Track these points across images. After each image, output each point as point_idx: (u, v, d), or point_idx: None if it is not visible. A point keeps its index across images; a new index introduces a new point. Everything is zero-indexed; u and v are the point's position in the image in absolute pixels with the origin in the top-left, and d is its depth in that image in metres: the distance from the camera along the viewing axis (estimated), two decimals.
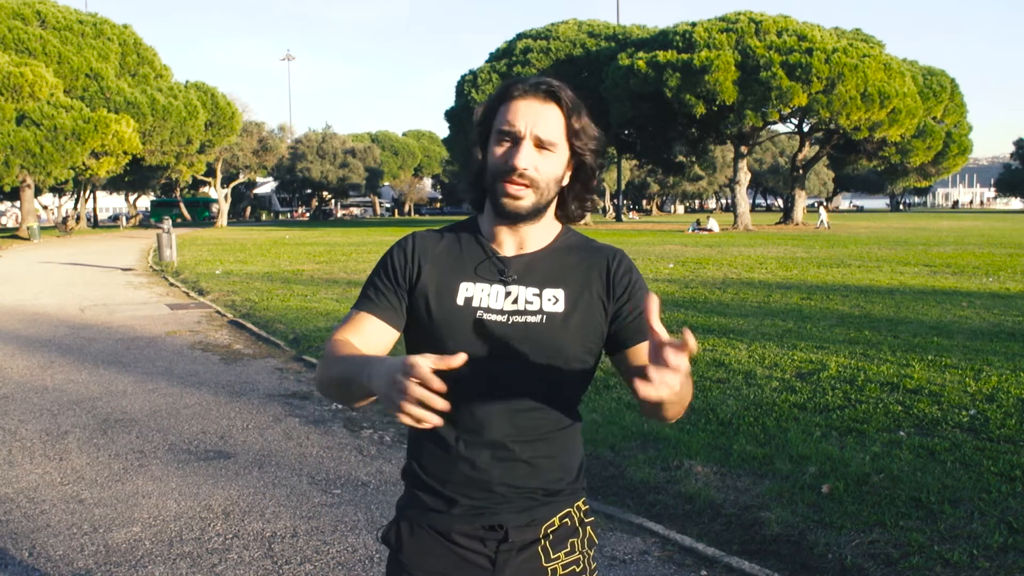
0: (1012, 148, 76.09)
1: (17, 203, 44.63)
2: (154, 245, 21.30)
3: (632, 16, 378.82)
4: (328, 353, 1.38)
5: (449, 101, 60.37)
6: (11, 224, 54.89)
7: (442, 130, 78.60)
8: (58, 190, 47.16)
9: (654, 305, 1.17)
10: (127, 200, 66.73)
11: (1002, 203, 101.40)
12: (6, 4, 33.11)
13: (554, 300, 1.41)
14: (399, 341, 1.49)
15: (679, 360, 1.16)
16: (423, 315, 1.43)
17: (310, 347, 7.80)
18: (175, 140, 36.90)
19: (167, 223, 18.95)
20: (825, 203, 40.78)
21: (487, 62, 43.60)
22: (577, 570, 1.46)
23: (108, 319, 10.19)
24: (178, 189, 58.90)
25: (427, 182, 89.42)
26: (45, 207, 58.03)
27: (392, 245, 1.49)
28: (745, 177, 38.60)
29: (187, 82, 40.53)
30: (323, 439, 4.94)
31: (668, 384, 1.14)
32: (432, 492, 1.44)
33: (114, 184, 51.82)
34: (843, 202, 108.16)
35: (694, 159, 47.35)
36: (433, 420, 1.08)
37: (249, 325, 9.27)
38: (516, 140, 1.36)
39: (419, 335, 1.45)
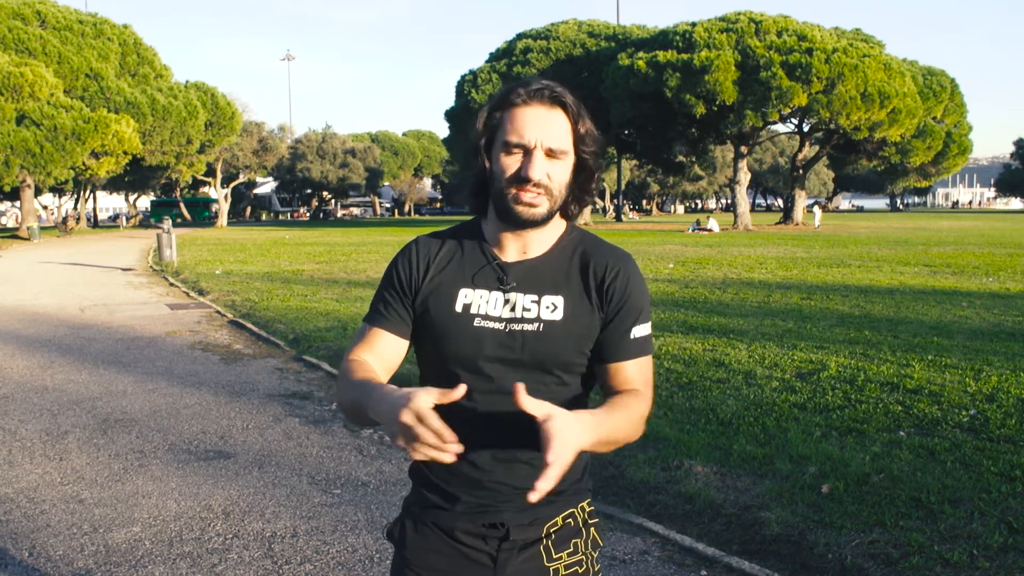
0: (1012, 148, 76.12)
1: (17, 203, 44.65)
2: (154, 245, 21.31)
3: (632, 16, 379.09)
4: (343, 375, 1.42)
5: (449, 101, 60.43)
6: (11, 224, 54.89)
7: (442, 130, 78.76)
8: (58, 190, 47.21)
9: (521, 392, 1.19)
10: (127, 200, 66.78)
11: (1002, 203, 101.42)
12: (6, 4, 33.12)
13: (552, 307, 1.41)
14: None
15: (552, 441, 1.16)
16: (424, 321, 1.45)
17: (310, 347, 7.80)
18: (175, 140, 36.91)
19: (167, 223, 18.95)
20: (820, 203, 40.79)
21: (487, 62, 43.60)
22: (579, 571, 1.46)
23: (108, 319, 10.19)
24: (178, 189, 58.92)
25: (427, 182, 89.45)
26: (45, 207, 58.12)
27: (397, 253, 1.50)
28: (745, 177, 38.60)
29: (187, 82, 40.54)
30: (323, 439, 4.94)
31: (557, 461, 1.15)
32: (436, 489, 1.46)
33: (114, 184, 51.84)
34: (843, 202, 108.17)
35: (694, 159, 47.36)
36: (445, 457, 1.14)
37: (249, 325, 9.28)
38: (527, 151, 1.35)
39: (422, 340, 1.47)
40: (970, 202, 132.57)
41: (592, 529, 1.50)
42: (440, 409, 1.43)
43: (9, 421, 5.40)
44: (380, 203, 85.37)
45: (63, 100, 31.14)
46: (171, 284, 14.51)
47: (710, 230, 33.76)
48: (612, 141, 40.44)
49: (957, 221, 45.57)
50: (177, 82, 39.82)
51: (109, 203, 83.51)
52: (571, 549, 1.46)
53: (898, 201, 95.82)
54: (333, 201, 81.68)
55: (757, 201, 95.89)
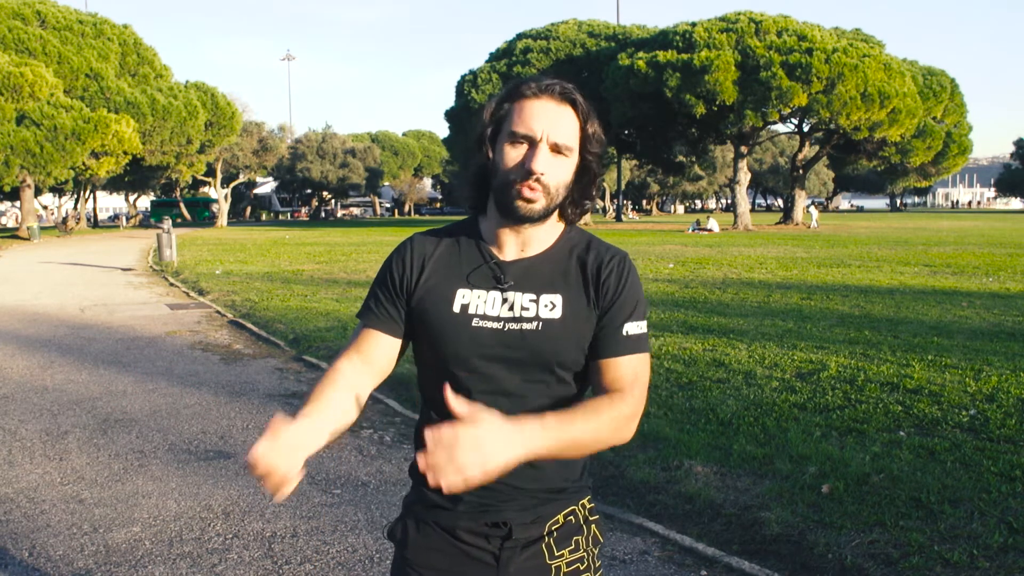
0: (1012, 148, 76.12)
1: (17, 203, 44.65)
2: (154, 245, 21.30)
3: (632, 16, 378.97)
4: (317, 381, 1.49)
5: (449, 101, 60.39)
6: (11, 224, 54.89)
7: (442, 130, 78.71)
8: (58, 190, 47.20)
9: (448, 392, 1.22)
10: (127, 200, 66.74)
11: (1002, 203, 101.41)
12: (6, 4, 33.11)
13: (551, 306, 1.40)
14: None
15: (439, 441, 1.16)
16: (422, 321, 1.44)
17: (310, 347, 7.80)
18: (175, 140, 36.90)
19: (167, 223, 18.94)
20: (815, 204, 40.85)
21: (487, 62, 43.61)
22: (581, 568, 1.46)
23: (108, 319, 10.19)
24: (178, 189, 58.89)
25: (427, 182, 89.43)
26: (45, 207, 58.11)
27: (392, 251, 1.50)
28: (745, 177, 38.60)
29: (187, 82, 40.53)
30: None
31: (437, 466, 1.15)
32: (438, 489, 1.44)
33: (114, 184, 51.82)
34: (843, 202, 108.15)
35: (694, 159, 47.36)
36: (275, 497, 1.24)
37: (249, 325, 9.28)
38: (532, 143, 1.34)
39: (421, 341, 1.47)
40: (969, 202, 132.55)
41: (593, 526, 1.50)
42: (441, 410, 1.43)
43: (9, 421, 5.40)
44: (380, 203, 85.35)
45: (63, 100, 31.14)
46: (171, 284, 14.51)
47: (710, 230, 33.76)
48: (612, 141, 40.40)
49: (957, 221, 45.57)
50: (177, 82, 39.82)
51: (109, 203, 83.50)
52: (572, 546, 1.46)
53: (898, 201, 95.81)
54: (333, 201, 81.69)
55: (757, 201, 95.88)
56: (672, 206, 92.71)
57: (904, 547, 3.21)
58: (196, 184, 61.82)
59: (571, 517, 1.46)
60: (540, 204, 1.36)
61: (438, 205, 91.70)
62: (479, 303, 1.41)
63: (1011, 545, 3.19)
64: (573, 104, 1.36)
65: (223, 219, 50.36)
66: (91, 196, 54.26)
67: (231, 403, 5.84)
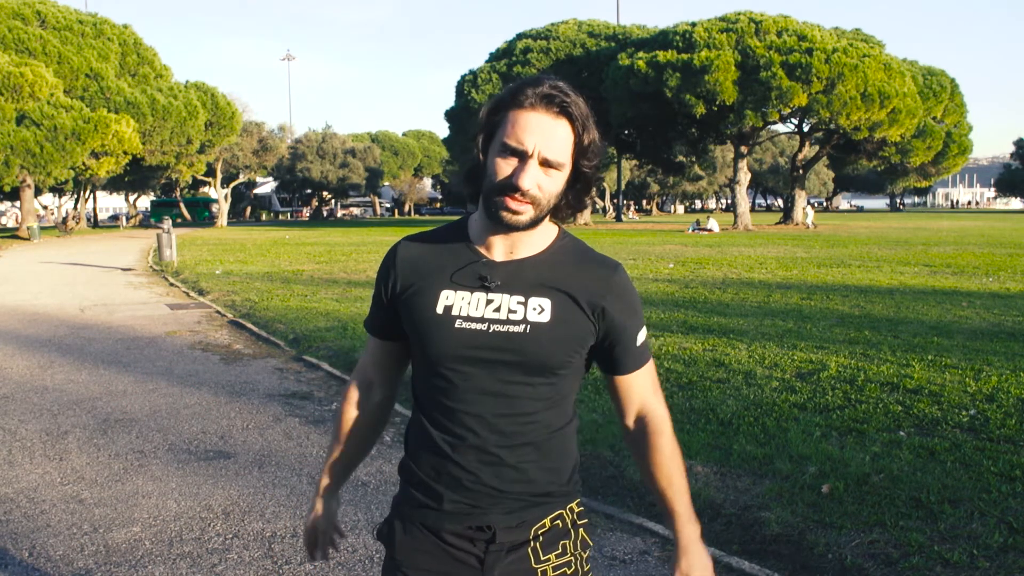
0: (1012, 148, 76.12)
1: (17, 203, 44.64)
2: (154, 245, 21.30)
3: (632, 16, 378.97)
4: (339, 410, 1.61)
5: (449, 101, 60.43)
6: (11, 224, 54.89)
7: (442, 130, 78.75)
8: (58, 190, 47.16)
9: None
10: (127, 200, 66.70)
11: (1002, 203, 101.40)
12: (6, 4, 33.11)
13: (539, 309, 1.39)
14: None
15: None
16: (409, 323, 1.45)
17: (310, 347, 7.80)
18: (175, 140, 36.90)
19: (167, 223, 18.94)
20: (810, 203, 40.84)
21: (487, 62, 43.62)
22: (568, 572, 1.45)
23: (108, 319, 10.20)
24: (178, 189, 58.89)
25: (427, 182, 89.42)
26: (45, 207, 58.07)
27: (383, 258, 1.52)
28: (745, 177, 38.60)
29: (187, 82, 40.52)
30: (323, 439, 4.94)
31: None
32: (424, 490, 1.45)
33: (114, 184, 51.80)
34: (843, 202, 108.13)
35: (694, 159, 47.36)
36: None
37: (249, 325, 9.28)
38: (523, 157, 1.32)
39: (411, 342, 1.48)
40: (969, 202, 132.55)
41: (581, 530, 1.50)
42: (428, 410, 1.45)
43: (9, 421, 5.40)
44: (380, 203, 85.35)
45: (63, 100, 31.14)
46: (171, 284, 14.51)
47: (710, 230, 33.76)
48: (612, 141, 40.43)
49: (957, 221, 45.56)
50: (177, 82, 39.81)
51: (109, 203, 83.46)
52: (559, 550, 1.45)
53: (898, 201, 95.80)
54: (333, 201, 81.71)
55: (757, 201, 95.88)
56: (672, 206, 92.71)
57: (904, 547, 3.21)
58: (196, 184, 61.82)
59: (558, 521, 1.46)
60: (527, 216, 1.34)
61: (438, 205, 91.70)
62: (463, 304, 1.40)
63: (1011, 545, 3.19)
64: (570, 118, 1.32)
65: (223, 219, 50.36)
66: (91, 196, 54.24)
67: (231, 403, 5.84)
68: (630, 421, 1.52)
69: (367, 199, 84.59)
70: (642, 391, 1.50)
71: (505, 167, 1.33)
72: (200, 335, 8.88)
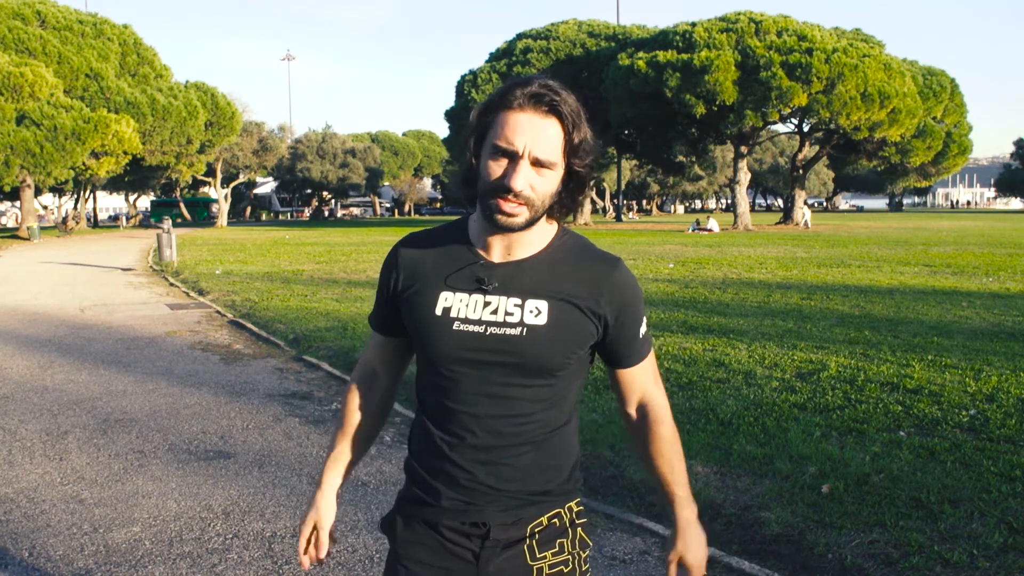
0: (1012, 148, 76.11)
1: (17, 203, 44.63)
2: (154, 245, 21.30)
3: (632, 16, 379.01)
4: (343, 400, 1.62)
5: (449, 101, 60.44)
6: (11, 224, 54.88)
7: (442, 130, 78.81)
8: (58, 190, 47.17)
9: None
10: (127, 200, 66.71)
11: (1002, 203, 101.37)
12: (6, 4, 33.11)
13: (536, 312, 1.38)
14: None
15: None
16: (409, 323, 1.47)
17: (310, 347, 7.80)
18: (175, 140, 36.90)
19: (167, 223, 18.94)
20: (806, 203, 40.86)
21: (487, 62, 43.60)
22: (565, 570, 1.46)
23: (108, 319, 10.19)
24: (178, 189, 58.89)
25: (427, 182, 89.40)
26: (45, 207, 58.06)
27: (385, 257, 1.53)
28: (745, 177, 38.60)
29: (187, 82, 40.52)
30: (323, 439, 4.94)
31: None
32: (424, 485, 1.48)
33: (114, 184, 51.80)
34: (843, 202, 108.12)
35: (694, 159, 47.33)
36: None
37: (249, 325, 9.28)
38: (513, 158, 1.31)
39: (413, 340, 1.50)
40: (968, 202, 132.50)
41: (579, 529, 1.50)
42: (428, 409, 1.46)
43: (9, 421, 5.40)
44: (380, 203, 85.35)
45: (63, 100, 31.13)
46: (171, 284, 14.51)
47: (710, 230, 33.76)
48: (612, 141, 40.43)
49: (957, 221, 45.56)
50: (177, 82, 39.80)
51: (109, 203, 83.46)
52: (556, 549, 1.46)
53: (898, 201, 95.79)
54: (333, 201, 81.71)
55: (757, 201, 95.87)
56: (672, 206, 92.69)
57: (904, 547, 3.21)
58: (196, 184, 61.82)
59: (555, 520, 1.46)
60: (522, 217, 1.34)
61: (438, 205, 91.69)
62: (461, 306, 1.40)
63: (1011, 545, 3.19)
64: (559, 116, 1.31)
65: (223, 219, 50.35)
66: (91, 196, 54.24)
67: (231, 403, 5.84)
68: (632, 410, 1.54)
69: (367, 199, 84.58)
70: (644, 382, 1.53)
71: (496, 169, 1.32)
72: (200, 335, 8.88)
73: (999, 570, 3.02)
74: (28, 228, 33.57)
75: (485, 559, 1.43)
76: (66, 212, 48.80)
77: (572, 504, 1.50)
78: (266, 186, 78.38)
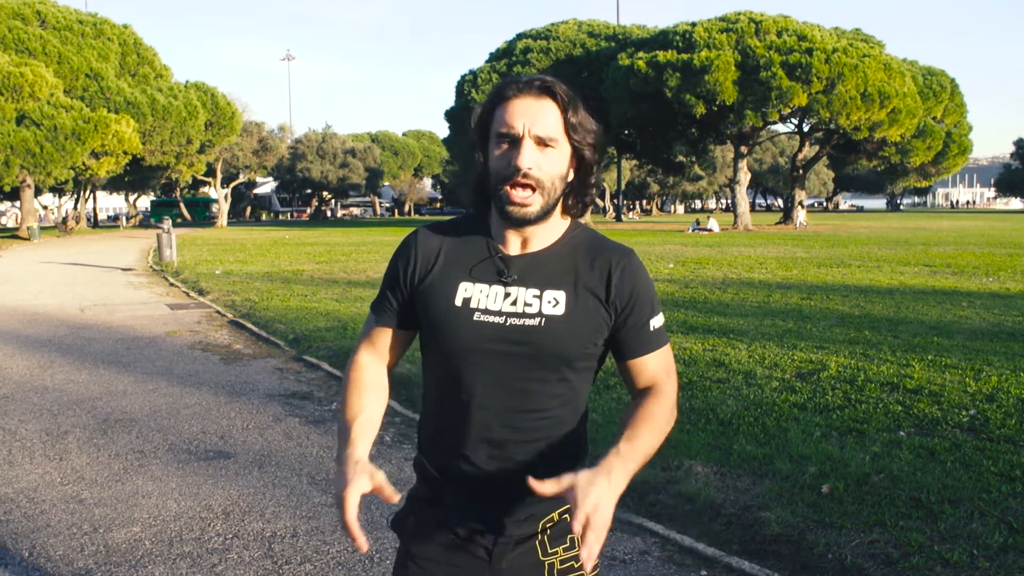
0: (1012, 148, 76.10)
1: (17, 203, 44.63)
2: (154, 245, 21.30)
3: (632, 16, 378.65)
4: (344, 385, 1.50)
5: (449, 101, 60.44)
6: (11, 224, 54.88)
7: (442, 130, 78.79)
8: (58, 190, 47.16)
9: (532, 482, 1.25)
10: (127, 200, 66.71)
11: (1002, 203, 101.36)
12: (6, 4, 33.11)
13: (554, 303, 1.40)
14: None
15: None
16: (425, 315, 1.45)
17: (310, 347, 7.80)
18: (175, 140, 36.90)
19: (167, 223, 18.94)
20: (801, 204, 40.87)
21: (487, 62, 43.60)
22: (576, 565, 1.46)
23: (108, 319, 10.19)
24: (178, 189, 58.88)
25: (427, 182, 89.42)
26: (45, 207, 58.06)
27: (399, 246, 1.51)
28: (745, 177, 38.59)
29: (187, 82, 40.52)
30: (323, 439, 4.94)
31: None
32: (434, 483, 1.48)
33: (114, 184, 51.80)
34: (843, 202, 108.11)
35: (694, 159, 47.34)
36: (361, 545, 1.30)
37: (249, 325, 9.27)
38: (515, 141, 1.34)
39: (425, 333, 1.48)
40: (968, 202, 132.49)
41: None
42: (439, 404, 1.46)
43: (9, 421, 5.40)
44: (380, 203, 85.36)
45: (63, 100, 31.13)
46: (171, 284, 14.50)
47: (710, 230, 33.76)
48: (612, 141, 40.40)
49: (957, 221, 45.56)
50: (177, 82, 39.81)
51: (109, 203, 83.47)
52: (567, 544, 1.46)
53: (898, 201, 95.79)
54: (334, 201, 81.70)
55: (757, 201, 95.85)
56: (672, 206, 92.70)
57: (904, 547, 3.21)
58: (196, 184, 61.82)
59: (566, 515, 1.47)
60: (536, 205, 1.36)
61: (438, 205, 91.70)
62: (481, 297, 1.41)
63: (1011, 545, 3.19)
64: (552, 96, 1.36)
65: (223, 219, 50.36)
66: (91, 196, 54.23)
67: (231, 403, 5.84)
68: (637, 394, 1.49)
69: (367, 199, 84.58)
70: (655, 372, 1.46)
71: (503, 156, 1.36)
72: (200, 335, 8.88)
73: (999, 570, 3.02)
74: (28, 228, 33.57)
75: (498, 555, 1.44)
76: (66, 212, 48.80)
77: None
78: (266, 186, 78.38)
